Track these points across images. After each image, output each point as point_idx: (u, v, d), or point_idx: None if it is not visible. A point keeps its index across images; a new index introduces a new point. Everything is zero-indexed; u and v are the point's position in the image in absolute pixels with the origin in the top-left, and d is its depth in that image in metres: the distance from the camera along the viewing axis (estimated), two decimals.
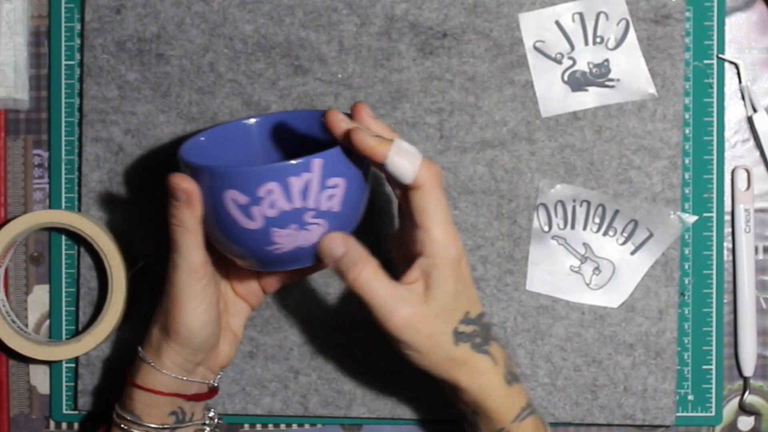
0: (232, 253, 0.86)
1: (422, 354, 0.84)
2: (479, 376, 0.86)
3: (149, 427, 0.89)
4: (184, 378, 0.89)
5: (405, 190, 0.84)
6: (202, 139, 0.90)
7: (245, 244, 0.84)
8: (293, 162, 0.82)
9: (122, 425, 0.90)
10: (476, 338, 0.85)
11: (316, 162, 0.82)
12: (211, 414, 0.94)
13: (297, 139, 0.92)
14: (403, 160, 0.82)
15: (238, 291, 0.92)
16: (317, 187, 0.82)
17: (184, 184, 0.83)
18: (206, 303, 0.87)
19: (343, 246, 0.83)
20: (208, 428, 0.93)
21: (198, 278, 0.86)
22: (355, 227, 0.86)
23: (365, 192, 0.86)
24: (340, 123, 0.83)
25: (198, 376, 0.90)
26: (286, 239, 0.84)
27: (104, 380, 0.99)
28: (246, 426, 1.00)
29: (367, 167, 0.86)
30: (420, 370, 0.86)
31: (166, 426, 0.90)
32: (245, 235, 0.83)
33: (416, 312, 0.83)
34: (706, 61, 0.98)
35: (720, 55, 0.98)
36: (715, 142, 0.98)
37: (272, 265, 0.86)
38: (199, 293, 0.86)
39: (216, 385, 0.92)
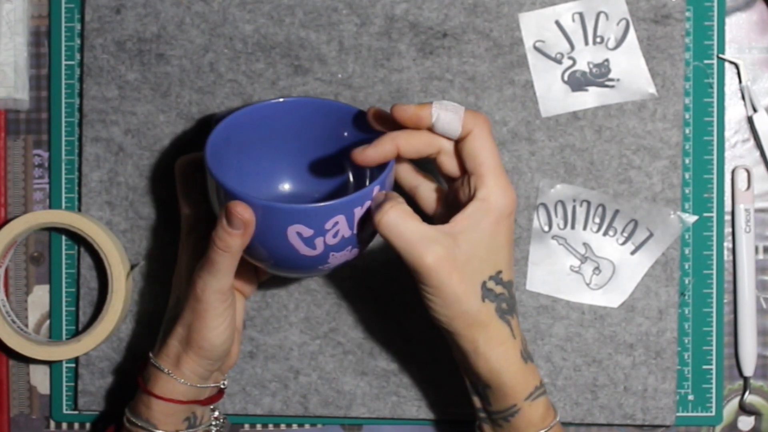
0: (270, 266, 0.86)
1: (447, 302, 0.82)
2: (498, 345, 0.84)
3: None
4: (201, 385, 0.89)
5: (458, 146, 0.84)
6: (223, 128, 0.89)
7: (297, 265, 0.85)
8: (359, 194, 0.82)
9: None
10: (503, 303, 0.84)
11: (376, 189, 0.83)
12: (216, 414, 0.94)
13: (316, 124, 0.92)
14: (448, 113, 0.83)
15: (236, 285, 0.92)
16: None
17: (246, 214, 0.82)
18: (229, 319, 0.87)
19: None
20: (214, 428, 0.93)
21: (225, 299, 0.86)
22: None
23: None
24: (387, 115, 0.85)
25: (212, 380, 0.91)
26: (339, 258, 0.85)
27: (104, 380, 0.99)
28: (246, 426, 1.00)
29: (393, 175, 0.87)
30: (439, 327, 0.84)
31: (179, 431, 0.90)
32: (301, 260, 0.84)
33: (448, 254, 0.81)
34: (706, 61, 0.98)
35: (720, 55, 0.98)
36: (715, 142, 0.98)
37: (307, 275, 0.87)
38: (223, 311, 0.86)
39: (224, 386, 0.93)
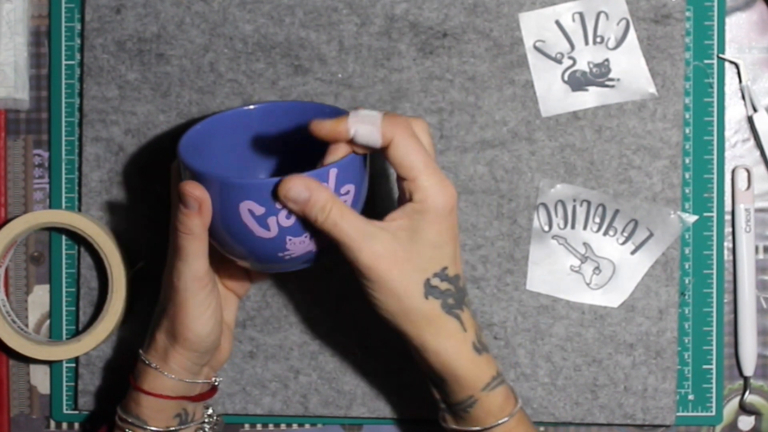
0: (237, 255, 0.85)
1: (388, 298, 0.83)
2: (446, 339, 0.84)
3: (154, 430, 0.89)
4: (190, 380, 0.89)
5: (384, 156, 0.83)
6: (198, 128, 0.89)
7: (256, 250, 0.84)
8: (311, 172, 0.82)
9: (126, 429, 0.90)
10: (449, 298, 0.84)
11: (332, 172, 0.82)
12: (209, 411, 0.94)
13: (295, 127, 0.92)
14: (366, 125, 0.82)
15: (227, 284, 0.92)
16: None
17: (196, 192, 0.82)
18: (212, 308, 0.87)
19: (306, 191, 0.81)
20: (207, 426, 0.93)
21: (203, 285, 0.86)
22: None
23: (365, 194, 0.86)
24: (324, 130, 0.83)
25: (202, 376, 0.90)
26: (299, 246, 0.84)
27: (104, 380, 0.99)
28: (246, 426, 1.00)
29: (367, 169, 0.86)
30: (386, 323, 0.85)
31: (170, 428, 0.90)
32: (258, 243, 0.83)
33: (387, 250, 0.82)
34: (706, 61, 0.98)
35: (720, 55, 0.98)
36: (715, 142, 0.98)
37: (277, 268, 0.86)
38: (204, 299, 0.86)
39: (217, 383, 0.92)
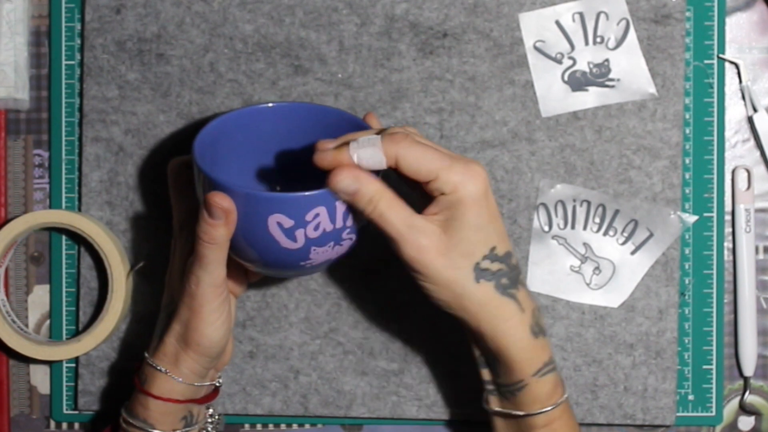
0: (252, 261, 0.86)
1: (439, 287, 0.83)
2: (502, 322, 0.84)
3: None
4: (198, 383, 0.89)
5: (399, 173, 0.83)
6: (211, 128, 0.89)
7: (279, 260, 0.84)
8: (318, 192, 0.82)
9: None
10: (502, 278, 0.84)
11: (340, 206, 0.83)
12: (210, 411, 0.94)
13: (306, 128, 0.92)
14: (367, 150, 0.82)
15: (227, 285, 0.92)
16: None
17: (224, 203, 0.82)
18: (225, 314, 0.87)
19: (355, 182, 0.81)
20: (210, 426, 0.93)
21: (219, 293, 0.86)
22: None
23: None
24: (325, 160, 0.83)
25: (209, 379, 0.91)
26: (321, 255, 0.84)
27: (104, 380, 0.99)
28: (246, 426, 1.00)
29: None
30: (441, 311, 0.84)
31: (176, 431, 0.90)
32: (282, 254, 0.83)
33: (432, 241, 0.82)
34: (706, 61, 0.98)
35: (720, 55, 0.98)
36: (715, 142, 0.98)
37: (292, 274, 0.86)
38: (219, 306, 0.86)
39: (219, 384, 0.93)
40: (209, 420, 0.94)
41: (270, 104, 0.91)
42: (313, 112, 0.91)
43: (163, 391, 0.88)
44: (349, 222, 0.84)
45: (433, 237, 0.82)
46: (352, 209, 0.83)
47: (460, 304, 0.83)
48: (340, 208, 0.83)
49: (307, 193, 0.81)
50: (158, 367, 0.88)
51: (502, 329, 0.84)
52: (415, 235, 0.82)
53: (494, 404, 0.88)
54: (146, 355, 0.90)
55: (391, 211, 0.82)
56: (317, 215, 0.82)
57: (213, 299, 0.86)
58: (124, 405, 0.91)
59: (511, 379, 0.85)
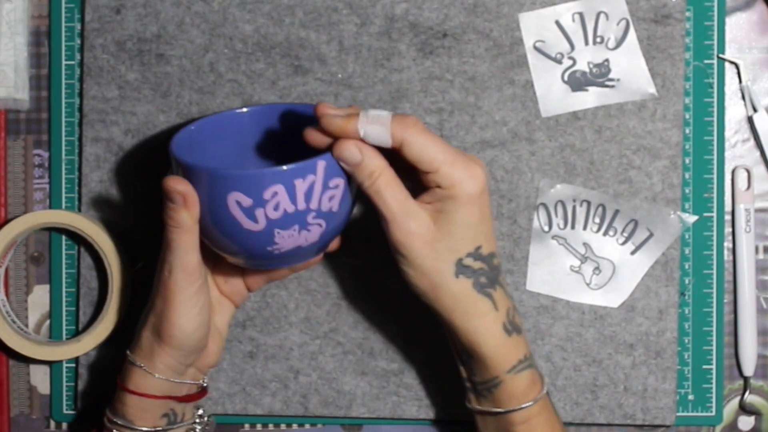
0: (227, 251, 0.85)
1: (419, 274, 0.84)
2: (475, 318, 0.85)
3: (142, 430, 0.89)
4: (175, 380, 0.89)
5: (400, 155, 0.83)
6: (192, 128, 0.90)
7: (245, 244, 0.84)
8: (299, 164, 0.82)
9: (114, 430, 0.89)
10: (481, 277, 0.84)
11: (320, 164, 0.82)
12: (200, 412, 0.94)
13: (287, 130, 0.92)
14: (375, 126, 0.82)
15: (223, 290, 0.92)
16: (320, 189, 0.83)
17: (179, 187, 0.83)
18: (200, 305, 0.86)
19: (358, 153, 0.82)
20: (198, 427, 0.93)
21: (193, 281, 0.86)
22: (346, 224, 0.87)
23: (354, 190, 0.87)
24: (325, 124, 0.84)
25: (188, 377, 0.90)
26: (288, 240, 0.84)
27: (105, 380, 0.99)
28: (246, 426, 1.00)
29: None
30: (417, 298, 0.85)
31: (158, 428, 0.89)
32: (246, 236, 0.83)
33: (422, 228, 0.83)
34: (706, 61, 0.98)
35: (720, 55, 0.98)
36: (715, 142, 0.98)
37: (267, 264, 0.86)
38: (193, 296, 0.86)
39: (205, 385, 0.92)
40: (197, 420, 0.93)
41: (245, 109, 0.92)
42: (298, 113, 0.91)
43: (139, 386, 0.88)
44: (314, 205, 0.83)
45: (423, 224, 0.83)
46: (315, 191, 0.83)
47: (436, 295, 0.84)
48: (300, 187, 0.82)
49: (263, 170, 0.81)
50: (134, 362, 0.88)
51: (474, 325, 0.85)
52: (407, 218, 0.82)
53: (474, 402, 0.88)
54: (128, 351, 0.90)
55: (389, 189, 0.83)
56: (275, 194, 0.81)
57: (185, 287, 0.85)
58: (108, 404, 0.91)
59: (486, 376, 0.86)
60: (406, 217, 0.82)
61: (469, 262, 0.84)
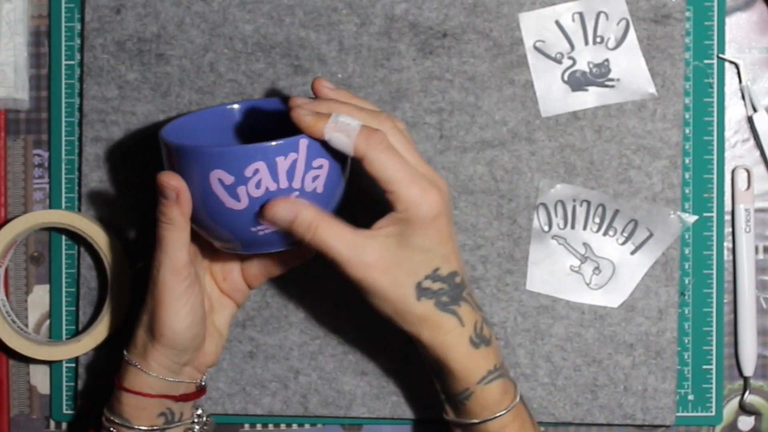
0: (216, 235, 0.85)
1: (382, 302, 0.84)
2: (442, 335, 0.85)
3: (139, 429, 0.89)
4: (171, 379, 0.89)
5: (361, 166, 0.83)
6: (182, 120, 0.90)
7: (230, 225, 0.84)
8: (280, 141, 0.82)
9: (111, 429, 0.89)
10: (443, 296, 0.85)
11: (302, 142, 0.82)
12: (199, 412, 0.94)
13: (278, 126, 0.92)
14: (340, 135, 0.82)
15: (224, 288, 0.92)
16: (303, 168, 0.83)
17: (173, 182, 0.83)
18: (190, 304, 0.86)
19: (291, 211, 0.82)
20: (197, 426, 0.93)
21: (182, 279, 0.86)
22: (336, 209, 0.86)
23: (346, 175, 0.86)
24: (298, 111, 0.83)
25: (184, 376, 0.90)
26: None
27: (105, 380, 0.99)
28: (246, 426, 1.00)
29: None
30: (387, 322, 0.86)
31: (155, 427, 0.89)
32: (230, 216, 0.83)
33: (377, 259, 0.83)
34: (706, 61, 0.98)
35: (720, 55, 0.98)
36: (715, 142, 0.98)
37: (255, 247, 0.86)
38: (182, 294, 0.86)
39: (203, 384, 0.92)
40: (195, 420, 0.93)
41: (236, 105, 0.92)
42: (281, 107, 0.91)
43: (134, 385, 0.88)
44: (296, 184, 0.83)
45: (376, 254, 0.83)
46: (298, 170, 0.83)
47: (402, 318, 0.85)
48: (282, 165, 0.82)
49: (244, 146, 0.82)
50: (130, 360, 0.89)
51: (441, 341, 0.85)
52: (360, 254, 0.83)
53: (450, 414, 0.90)
54: (124, 351, 0.90)
55: (332, 235, 0.83)
56: (257, 171, 0.82)
57: (175, 285, 0.86)
58: (106, 403, 0.91)
59: (457, 389, 0.87)
60: (358, 254, 0.83)
61: (428, 284, 0.84)
